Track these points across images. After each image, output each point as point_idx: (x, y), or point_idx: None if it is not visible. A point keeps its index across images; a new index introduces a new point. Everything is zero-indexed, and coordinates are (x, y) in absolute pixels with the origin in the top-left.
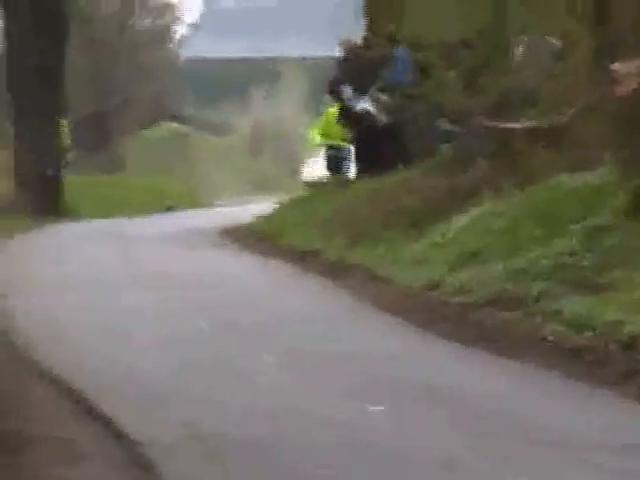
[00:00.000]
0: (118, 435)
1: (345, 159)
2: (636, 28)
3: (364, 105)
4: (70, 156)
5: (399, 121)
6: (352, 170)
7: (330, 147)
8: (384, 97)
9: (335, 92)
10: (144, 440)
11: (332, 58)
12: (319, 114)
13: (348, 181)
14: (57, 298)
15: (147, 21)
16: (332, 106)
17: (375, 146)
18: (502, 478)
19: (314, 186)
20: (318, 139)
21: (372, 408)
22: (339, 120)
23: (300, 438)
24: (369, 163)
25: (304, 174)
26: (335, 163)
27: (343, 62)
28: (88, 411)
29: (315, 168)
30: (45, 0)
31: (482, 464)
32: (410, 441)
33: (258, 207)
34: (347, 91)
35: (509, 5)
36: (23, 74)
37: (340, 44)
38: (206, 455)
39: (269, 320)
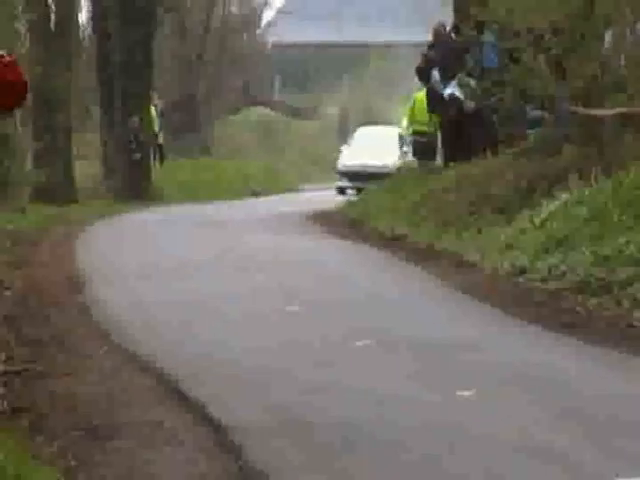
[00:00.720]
0: (209, 420)
1: (432, 145)
2: None
3: (452, 90)
4: (160, 140)
5: (486, 107)
6: (439, 156)
7: (417, 133)
8: (472, 82)
9: (424, 77)
10: (234, 425)
11: (418, 44)
12: (407, 99)
13: (435, 167)
14: (149, 284)
15: (234, 8)
16: (420, 90)
17: (462, 132)
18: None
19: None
20: (406, 126)
21: (460, 393)
22: (428, 105)
23: (392, 418)
24: (456, 149)
25: (339, 162)
26: (422, 149)
27: (432, 47)
28: (180, 397)
29: (352, 155)
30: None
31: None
32: (501, 425)
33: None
34: (435, 75)
35: None
36: (114, 66)
37: (431, 29)
38: (297, 440)
39: (358, 301)
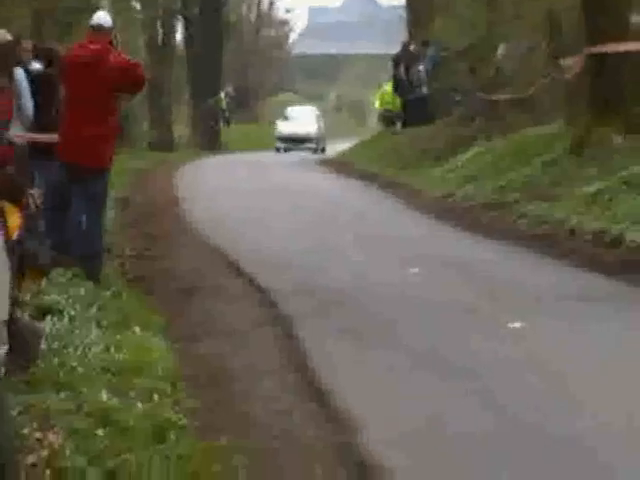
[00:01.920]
0: (257, 286)
1: (394, 116)
2: (577, 37)
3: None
4: (226, 113)
5: (430, 92)
6: (398, 124)
7: (385, 109)
8: (423, 75)
9: (396, 70)
10: (272, 289)
11: (387, 55)
12: (379, 87)
13: (396, 131)
14: (218, 201)
15: (272, 30)
16: (386, 83)
17: (415, 108)
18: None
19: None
20: (377, 104)
21: (412, 270)
22: (394, 90)
23: (369, 290)
24: (410, 119)
25: (277, 130)
26: (388, 119)
27: (400, 53)
28: (238, 272)
29: (286, 126)
30: (213, 18)
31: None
32: (438, 293)
33: (339, 146)
34: (401, 70)
35: (497, 21)
36: (198, 66)
37: (401, 43)
38: (308, 298)
39: (349, 215)
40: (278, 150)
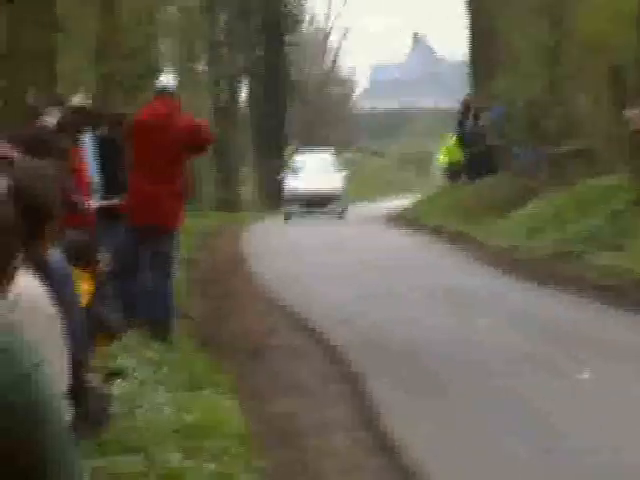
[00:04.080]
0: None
1: (459, 170)
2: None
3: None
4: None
5: (493, 145)
6: (463, 177)
7: (450, 163)
8: (487, 130)
9: (460, 124)
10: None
11: (450, 109)
12: (441, 140)
13: (461, 184)
14: (278, 259)
15: (337, 88)
16: (451, 138)
17: (480, 160)
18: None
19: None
20: (442, 158)
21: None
22: (459, 144)
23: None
24: (475, 172)
25: (287, 187)
26: (454, 173)
27: (463, 108)
28: (299, 326)
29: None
30: (277, 77)
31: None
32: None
33: (405, 202)
34: (469, 124)
35: (560, 75)
36: (262, 126)
37: (462, 100)
38: (372, 352)
39: (415, 265)
40: (288, 218)
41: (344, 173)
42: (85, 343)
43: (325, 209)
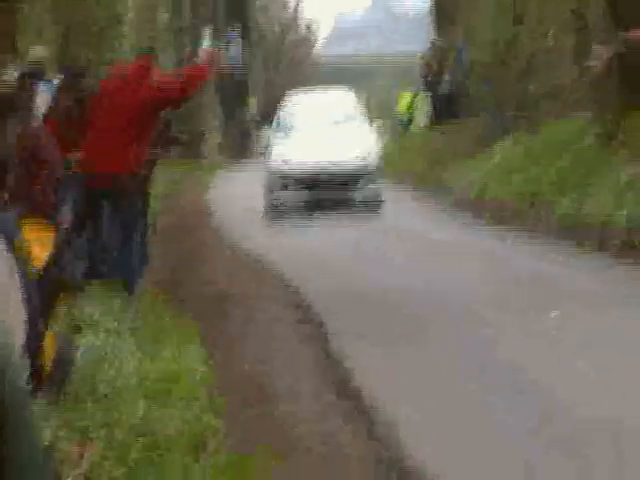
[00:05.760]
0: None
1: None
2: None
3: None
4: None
5: (460, 88)
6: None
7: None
8: (446, 78)
9: (425, 68)
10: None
11: (413, 57)
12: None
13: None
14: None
15: (298, 35)
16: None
17: (447, 103)
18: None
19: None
20: (400, 108)
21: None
22: (426, 90)
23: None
24: (444, 115)
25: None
26: (407, 123)
27: (429, 52)
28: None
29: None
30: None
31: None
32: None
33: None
34: (432, 69)
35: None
36: (226, 75)
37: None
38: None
39: (391, 213)
40: (274, 215)
41: (375, 127)
42: (42, 301)
43: (346, 196)
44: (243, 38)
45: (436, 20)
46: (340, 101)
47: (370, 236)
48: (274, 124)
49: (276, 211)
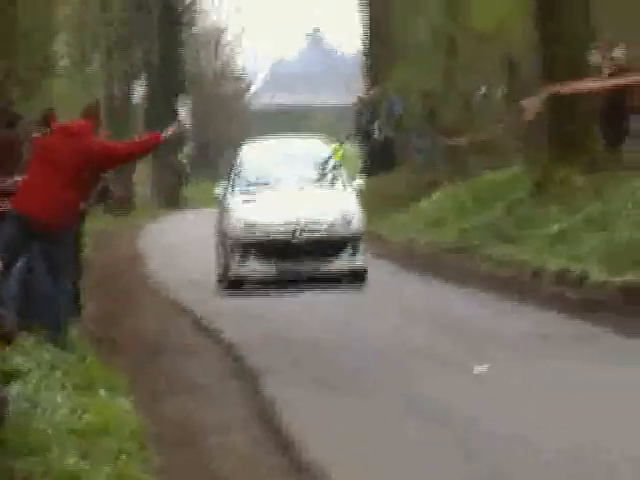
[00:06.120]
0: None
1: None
2: (534, 79)
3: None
4: (188, 171)
5: (392, 138)
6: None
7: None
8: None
9: (358, 120)
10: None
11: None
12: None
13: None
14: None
15: (233, 83)
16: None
17: (380, 154)
18: None
19: None
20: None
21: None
22: (359, 139)
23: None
24: (376, 165)
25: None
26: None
27: (360, 103)
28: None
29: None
30: (171, 73)
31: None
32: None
33: None
34: (364, 120)
35: (455, 67)
36: (157, 121)
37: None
38: (269, 350)
39: None
40: (229, 285)
41: (355, 183)
42: None
43: (325, 267)
44: (179, 89)
45: (369, 67)
46: (312, 152)
47: None
48: (232, 178)
49: (234, 286)
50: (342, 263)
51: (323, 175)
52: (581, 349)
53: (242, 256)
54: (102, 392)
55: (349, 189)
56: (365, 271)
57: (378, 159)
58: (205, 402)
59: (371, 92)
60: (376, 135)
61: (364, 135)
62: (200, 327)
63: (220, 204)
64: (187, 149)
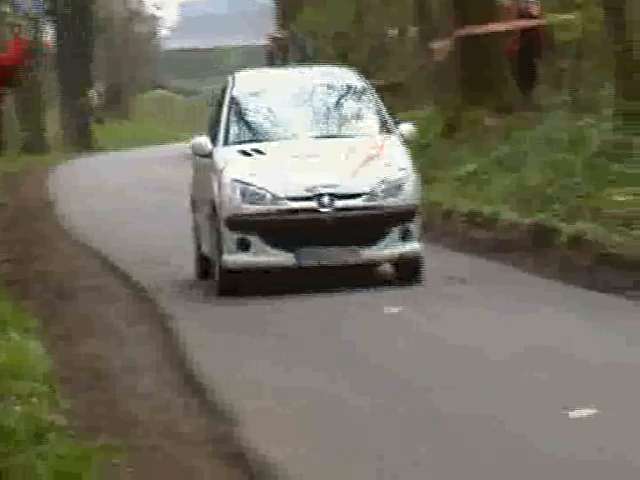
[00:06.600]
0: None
1: None
2: (445, 21)
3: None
4: (98, 111)
5: None
6: None
7: None
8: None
9: (269, 60)
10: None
11: (259, 46)
12: None
13: None
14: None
15: (143, 26)
16: None
17: None
18: None
19: None
20: None
21: None
22: None
23: None
24: None
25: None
26: None
27: (272, 44)
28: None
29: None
30: (82, 16)
31: None
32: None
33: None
34: (277, 62)
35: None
36: (67, 65)
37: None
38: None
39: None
40: (226, 284)
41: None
42: None
43: (369, 251)
44: (85, 26)
45: (278, 14)
46: (336, 84)
47: None
48: (222, 124)
49: (229, 282)
50: (388, 249)
51: (355, 118)
52: (494, 290)
53: (242, 239)
54: (14, 334)
55: (394, 137)
56: (420, 260)
57: None
58: (116, 345)
59: (280, 33)
60: None
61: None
62: (112, 270)
63: (201, 162)
64: (97, 89)
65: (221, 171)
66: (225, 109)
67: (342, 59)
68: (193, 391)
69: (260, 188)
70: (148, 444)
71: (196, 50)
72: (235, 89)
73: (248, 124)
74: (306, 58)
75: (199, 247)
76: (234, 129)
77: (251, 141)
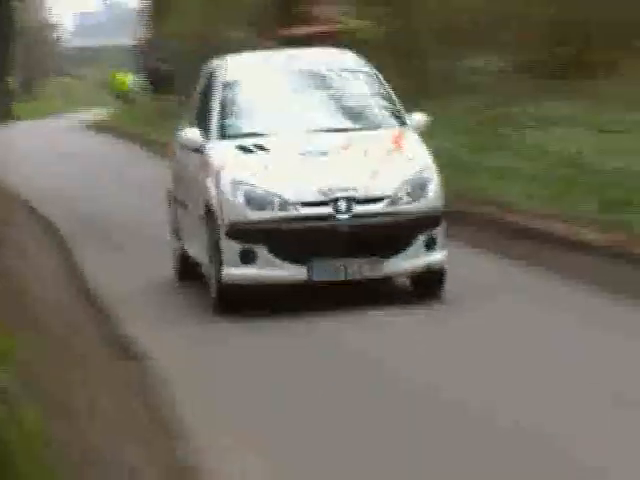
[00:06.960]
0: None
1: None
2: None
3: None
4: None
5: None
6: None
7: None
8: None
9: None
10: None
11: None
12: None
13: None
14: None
15: (50, 30)
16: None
17: (160, 82)
18: None
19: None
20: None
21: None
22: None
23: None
24: (156, 89)
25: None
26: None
27: (141, 44)
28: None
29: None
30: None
31: None
32: None
33: (98, 112)
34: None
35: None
36: None
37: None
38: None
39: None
40: (223, 301)
41: (415, 118)
42: None
43: (390, 263)
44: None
45: (148, 16)
46: (343, 69)
47: None
48: (212, 114)
49: (228, 301)
50: (413, 260)
51: (366, 107)
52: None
53: (246, 251)
54: None
55: (410, 130)
56: (444, 272)
57: (162, 86)
58: (22, 258)
59: (147, 36)
60: (162, 69)
61: (151, 69)
62: (27, 208)
63: (187, 155)
64: (13, 77)
65: (219, 170)
66: (217, 97)
67: (203, 57)
68: (88, 299)
69: (268, 192)
70: None
71: (89, 48)
72: (228, 74)
73: (245, 115)
74: (173, 55)
75: (181, 246)
76: (229, 120)
77: (250, 134)
